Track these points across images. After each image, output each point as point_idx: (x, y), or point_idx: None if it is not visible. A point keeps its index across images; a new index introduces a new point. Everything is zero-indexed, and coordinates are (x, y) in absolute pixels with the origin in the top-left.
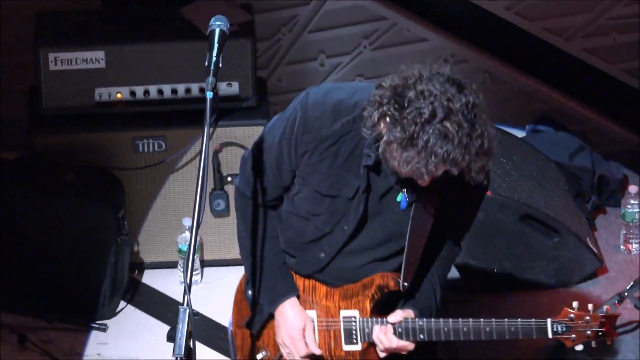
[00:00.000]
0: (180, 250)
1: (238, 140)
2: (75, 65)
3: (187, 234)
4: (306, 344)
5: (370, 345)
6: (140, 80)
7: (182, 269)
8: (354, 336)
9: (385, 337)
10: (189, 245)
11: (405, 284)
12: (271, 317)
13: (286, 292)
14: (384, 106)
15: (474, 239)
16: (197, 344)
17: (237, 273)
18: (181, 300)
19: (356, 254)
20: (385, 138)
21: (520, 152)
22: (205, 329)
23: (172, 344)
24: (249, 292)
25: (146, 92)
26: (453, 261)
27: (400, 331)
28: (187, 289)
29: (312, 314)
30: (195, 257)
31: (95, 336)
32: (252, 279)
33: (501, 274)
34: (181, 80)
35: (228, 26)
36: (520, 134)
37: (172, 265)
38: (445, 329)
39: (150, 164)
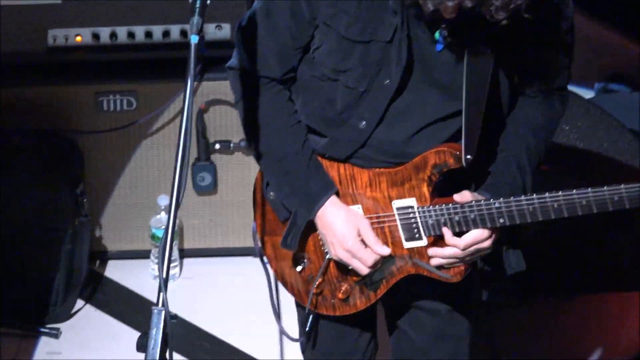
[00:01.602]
0: (154, 237)
1: (228, 98)
2: (24, 0)
3: (164, 215)
4: (370, 249)
5: (439, 237)
6: (106, 20)
7: (156, 261)
8: (416, 230)
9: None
10: (166, 230)
11: (469, 156)
12: (310, 223)
13: (323, 191)
14: None
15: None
16: (175, 355)
17: (225, 266)
18: (155, 300)
19: (405, 118)
20: None
21: (587, 117)
22: (185, 337)
23: (142, 355)
24: (272, 194)
25: (113, 35)
26: (556, 123)
27: (474, 217)
28: (163, 285)
29: (356, 209)
30: (173, 245)
31: (45, 344)
32: (275, 181)
33: (563, 273)
34: (158, 20)
35: None
36: (587, 94)
37: (144, 255)
38: (531, 208)
39: (118, 127)
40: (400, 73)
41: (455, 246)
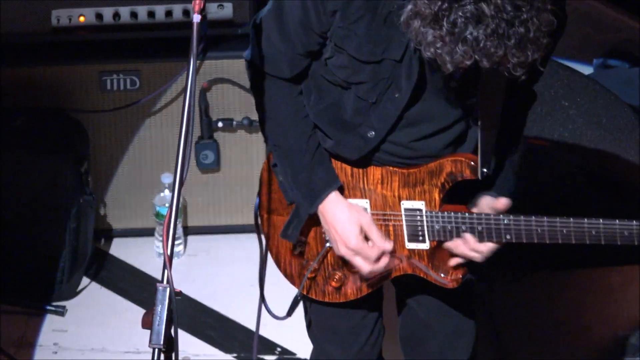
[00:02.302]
0: (158, 214)
1: (231, 77)
2: None
3: (167, 193)
4: (374, 244)
5: (441, 242)
6: (109, 0)
7: (160, 238)
8: (420, 233)
9: (472, 248)
10: (170, 207)
11: (485, 170)
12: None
13: (325, 186)
14: None
15: (525, 201)
16: (180, 332)
17: (229, 243)
18: (160, 277)
19: (413, 126)
20: (411, 5)
21: (586, 93)
22: (190, 314)
23: (148, 332)
24: (280, 177)
25: (116, 15)
26: (531, 106)
27: (481, 230)
28: (168, 262)
29: (363, 203)
30: (177, 222)
31: (51, 321)
32: (282, 170)
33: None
34: (160, 0)
35: None
36: (586, 70)
37: (148, 233)
38: (539, 230)
39: (121, 106)
40: (410, 88)
41: (478, 251)
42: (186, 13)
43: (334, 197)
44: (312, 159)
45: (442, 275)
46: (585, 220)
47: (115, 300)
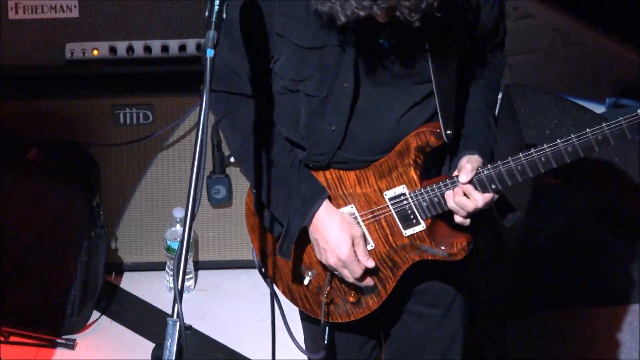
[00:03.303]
0: (169, 249)
1: None
2: (42, 14)
3: (179, 228)
4: (360, 261)
5: (435, 218)
6: (123, 33)
7: (171, 272)
8: (412, 216)
9: (469, 198)
10: (181, 242)
11: (449, 132)
12: (304, 230)
13: (316, 196)
14: None
15: (533, 238)
16: None
17: (239, 278)
18: (170, 311)
19: (380, 113)
20: None
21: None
22: (199, 348)
23: None
24: (265, 213)
25: (130, 49)
26: (500, 74)
27: (475, 182)
28: (178, 297)
29: (349, 209)
30: (188, 257)
31: (61, 354)
32: (266, 194)
33: (570, 284)
34: (174, 34)
35: None
36: (598, 109)
37: (159, 267)
38: (519, 168)
39: (134, 140)
40: (353, 74)
41: (476, 200)
42: (200, 48)
43: (325, 206)
44: (298, 172)
45: (448, 249)
46: (558, 140)
47: (125, 334)
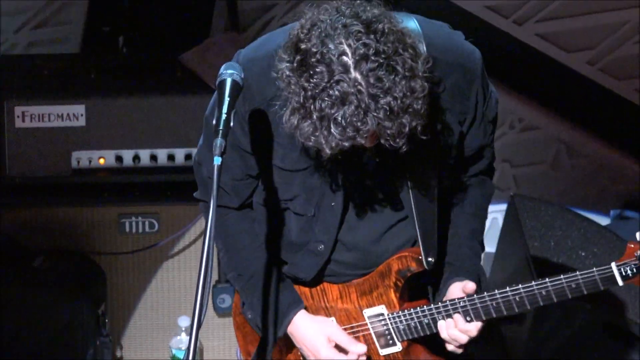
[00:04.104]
0: (174, 358)
1: None
2: (48, 123)
3: (184, 336)
4: (348, 350)
5: (412, 342)
6: (129, 142)
7: None
8: (389, 337)
9: (461, 331)
10: (187, 350)
11: (430, 259)
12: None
13: (292, 307)
14: (283, 63)
15: (538, 350)
16: None
17: None
18: None
19: (363, 230)
20: (288, 105)
21: (603, 243)
22: None
23: None
24: (249, 314)
25: (136, 158)
26: (488, 201)
27: (441, 318)
28: None
29: (331, 322)
30: None
31: None
32: (248, 302)
33: None
34: (180, 143)
35: (242, 76)
36: (603, 221)
37: None
38: (494, 304)
39: (139, 248)
40: (342, 194)
41: (466, 332)
42: None
43: (300, 316)
44: (277, 284)
45: None
46: (533, 282)
47: None
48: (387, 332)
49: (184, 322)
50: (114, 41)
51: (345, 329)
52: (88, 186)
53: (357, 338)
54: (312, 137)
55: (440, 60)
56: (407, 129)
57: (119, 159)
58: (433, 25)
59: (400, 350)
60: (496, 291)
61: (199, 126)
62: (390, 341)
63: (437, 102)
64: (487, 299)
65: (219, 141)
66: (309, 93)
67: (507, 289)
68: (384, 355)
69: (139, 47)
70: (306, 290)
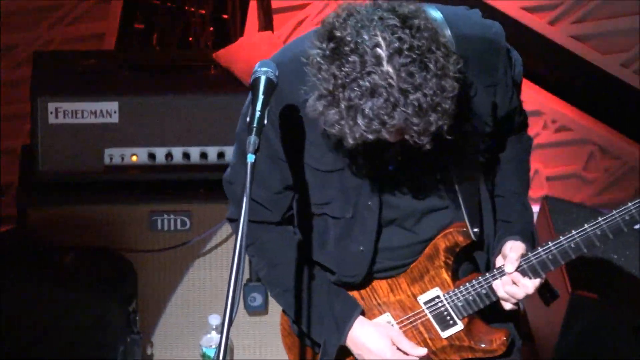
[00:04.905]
0: (204, 356)
1: None
2: (81, 119)
3: (214, 335)
4: (408, 354)
5: (472, 316)
6: (162, 140)
7: None
8: (448, 317)
9: (518, 286)
10: (218, 349)
11: (476, 229)
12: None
13: (349, 313)
14: (315, 49)
15: (571, 353)
16: None
17: None
18: None
19: (403, 222)
20: (316, 92)
21: (635, 246)
22: None
23: None
24: (304, 329)
25: (168, 156)
26: (528, 152)
27: (523, 272)
28: None
29: (385, 318)
30: None
31: None
32: (299, 317)
33: None
34: (213, 141)
35: (277, 74)
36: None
37: None
38: (572, 245)
39: (171, 246)
40: (378, 192)
41: (524, 287)
42: None
43: (359, 321)
44: (328, 293)
45: (488, 345)
46: (585, 224)
47: None
48: (445, 313)
49: (214, 320)
50: (148, 39)
51: (402, 322)
52: (120, 183)
53: (415, 327)
54: (337, 126)
55: (465, 38)
56: (433, 127)
57: (151, 156)
58: (452, 9)
59: (462, 328)
60: (550, 243)
61: (232, 124)
62: (451, 321)
63: (466, 82)
64: (541, 253)
65: (252, 138)
66: (339, 81)
67: (560, 237)
68: (447, 338)
69: (172, 45)
70: (355, 293)
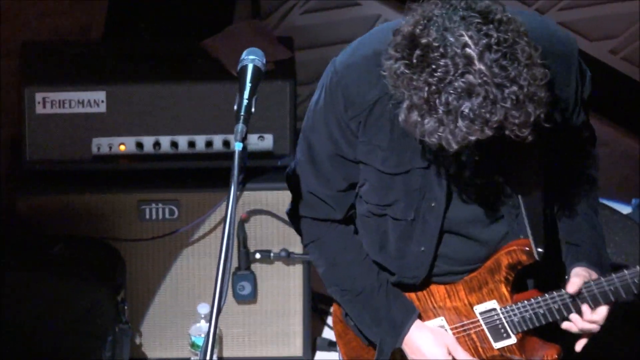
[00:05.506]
0: (193, 345)
1: (270, 208)
2: (69, 109)
3: (203, 323)
4: None
5: (526, 333)
6: (149, 129)
7: None
8: (503, 330)
9: (589, 321)
10: (207, 338)
11: (540, 249)
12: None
13: (406, 316)
14: (397, 61)
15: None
16: None
17: None
18: None
19: (465, 227)
20: (405, 103)
21: (624, 232)
22: None
23: None
24: (352, 322)
25: (156, 145)
26: (596, 167)
27: (558, 307)
28: None
29: (439, 322)
30: (213, 354)
31: None
32: (356, 316)
33: None
34: (201, 130)
35: (264, 62)
36: (624, 209)
37: None
38: (637, 280)
39: (159, 235)
40: (444, 193)
41: (593, 321)
42: (226, 144)
43: (417, 325)
44: (386, 295)
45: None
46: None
47: None
48: (500, 326)
49: (203, 309)
50: (135, 28)
51: (456, 328)
52: (108, 173)
53: (469, 335)
54: (437, 134)
55: (541, 52)
56: (532, 117)
57: (139, 145)
58: (526, 15)
59: (515, 342)
60: (613, 275)
61: (220, 113)
62: (505, 334)
63: None
64: (604, 283)
65: (240, 127)
66: (433, 87)
67: (625, 271)
68: (499, 349)
69: (160, 34)
70: (412, 294)
